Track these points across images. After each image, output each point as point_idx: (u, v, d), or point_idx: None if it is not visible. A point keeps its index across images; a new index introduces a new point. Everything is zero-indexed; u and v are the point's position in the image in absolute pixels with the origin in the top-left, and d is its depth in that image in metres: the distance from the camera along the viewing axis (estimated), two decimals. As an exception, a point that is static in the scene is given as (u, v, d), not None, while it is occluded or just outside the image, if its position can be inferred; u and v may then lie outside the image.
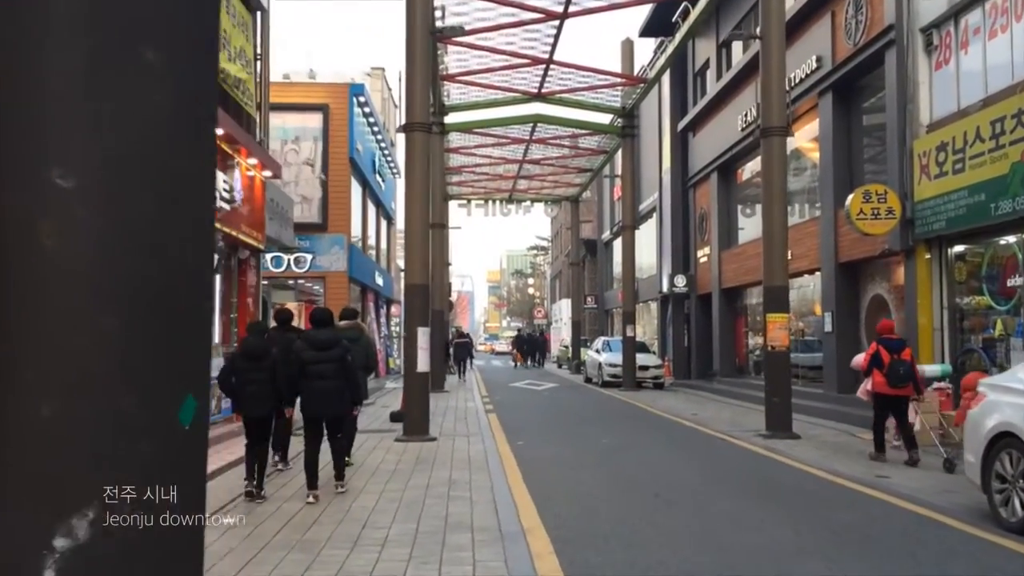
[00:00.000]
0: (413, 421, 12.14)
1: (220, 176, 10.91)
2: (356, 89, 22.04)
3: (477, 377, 30.67)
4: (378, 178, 26.71)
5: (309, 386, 7.72)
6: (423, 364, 12.23)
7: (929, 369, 12.66)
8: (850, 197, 13.76)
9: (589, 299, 44.13)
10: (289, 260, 13.69)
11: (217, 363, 12.48)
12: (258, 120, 14.01)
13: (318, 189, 21.54)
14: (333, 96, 21.73)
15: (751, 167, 23.08)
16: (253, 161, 12.39)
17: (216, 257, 12.79)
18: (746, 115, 21.39)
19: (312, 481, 7.71)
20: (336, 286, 21.65)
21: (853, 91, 16.67)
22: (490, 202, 34.55)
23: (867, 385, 10.42)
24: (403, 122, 12.65)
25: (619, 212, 39.33)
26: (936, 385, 12.36)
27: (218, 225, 11.19)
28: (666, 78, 28.60)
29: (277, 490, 8.19)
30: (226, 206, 11.18)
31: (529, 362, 41.62)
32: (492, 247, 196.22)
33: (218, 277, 12.98)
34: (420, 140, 12.49)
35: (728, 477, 9.34)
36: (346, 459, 9.28)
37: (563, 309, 62.17)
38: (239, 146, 11.68)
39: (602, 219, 45.07)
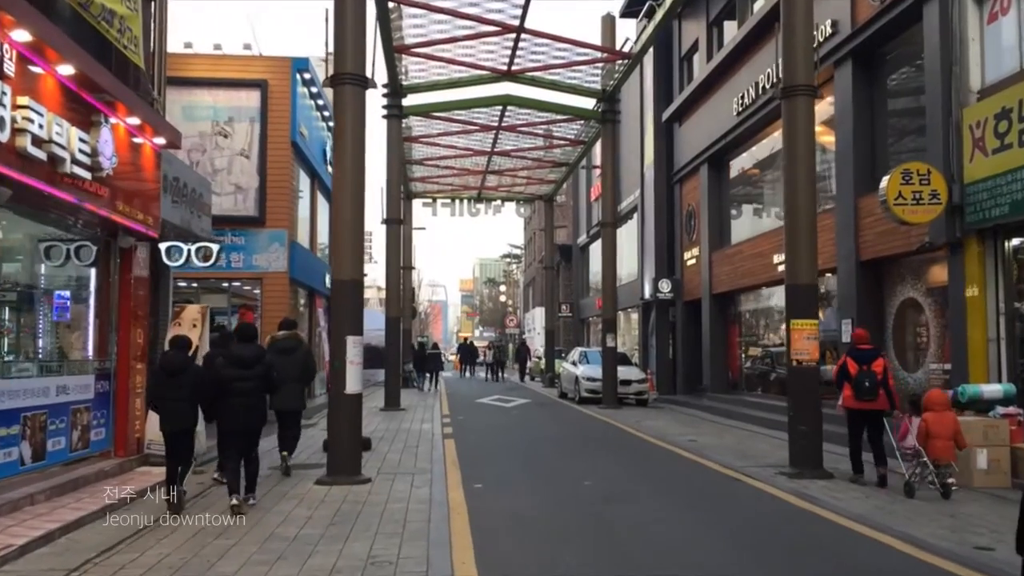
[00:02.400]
0: (339, 458, 9.36)
1: (75, 133, 8.10)
2: (300, 64, 19.20)
3: (442, 391, 27.88)
4: (331, 170, 23.85)
5: (229, 402, 7.75)
6: (353, 384, 9.45)
7: (988, 389, 10.22)
8: (886, 179, 11.21)
9: (563, 307, 41.53)
10: (190, 251, 10.81)
11: (84, 382, 9.71)
12: (154, 77, 11.19)
13: (255, 178, 18.67)
14: (273, 71, 18.86)
15: (747, 157, 20.61)
16: (135, 121, 9.57)
17: (93, 247, 10.00)
18: (742, 98, 18.90)
19: (234, 486, 7.78)
20: (275, 288, 18.79)
21: (877, 58, 14.17)
22: (457, 201, 31.79)
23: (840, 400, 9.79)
24: (330, 73, 9.86)
25: (596, 214, 36.83)
26: (1002, 410, 9.86)
27: (73, 199, 8.36)
28: (649, 65, 26.21)
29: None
30: (85, 173, 8.35)
31: (468, 372, 40.05)
32: (465, 256, 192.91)
33: (92, 272, 10.16)
34: (353, 97, 9.74)
35: (769, 553, 6.59)
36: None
37: (536, 318, 59.47)
38: (111, 98, 8.86)
39: (577, 223, 42.53)
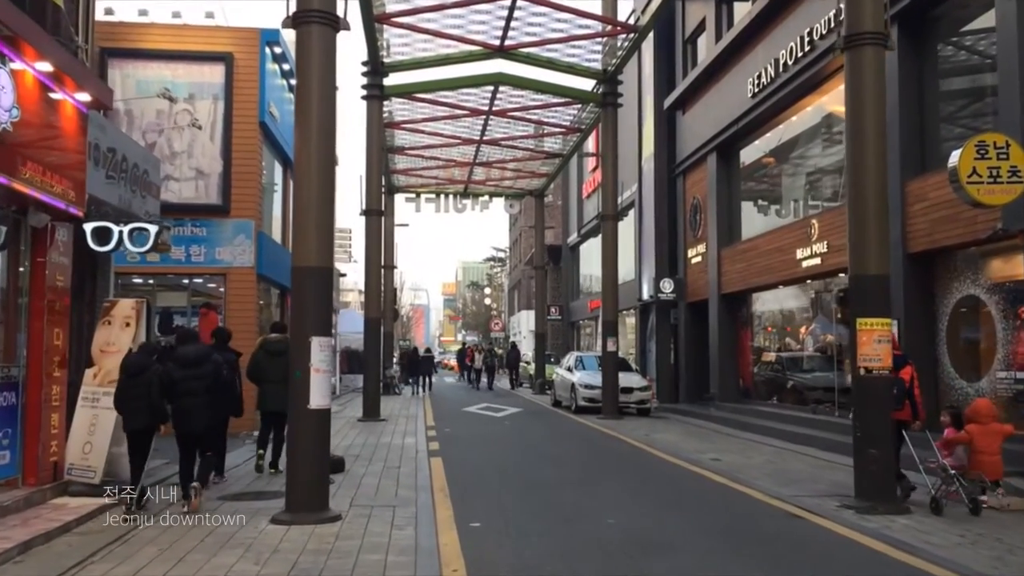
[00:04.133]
0: (301, 491, 7.44)
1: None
2: (270, 36, 17.24)
3: (425, 400, 25.97)
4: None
5: (179, 403, 7.85)
6: (319, 396, 7.55)
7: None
8: (957, 153, 9.41)
9: (552, 310, 39.65)
10: (122, 233, 8.86)
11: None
12: (79, 20, 9.26)
13: (218, 162, 16.69)
14: (239, 43, 16.90)
15: (760, 145, 18.88)
16: (47, 68, 7.64)
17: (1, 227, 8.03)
18: (759, 77, 17.15)
19: (186, 492, 7.75)
20: (241, 285, 16.74)
21: (928, 22, 12.46)
22: (442, 196, 29.90)
23: None
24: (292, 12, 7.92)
25: (588, 211, 35.08)
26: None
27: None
28: (648, 51, 24.50)
29: None
30: (-33, 124, 6.44)
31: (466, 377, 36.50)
32: (447, 259, 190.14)
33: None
34: (320, 40, 7.83)
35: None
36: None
37: (522, 321, 57.68)
38: (9, 33, 6.94)
39: (568, 221, 40.74)
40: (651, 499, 9.04)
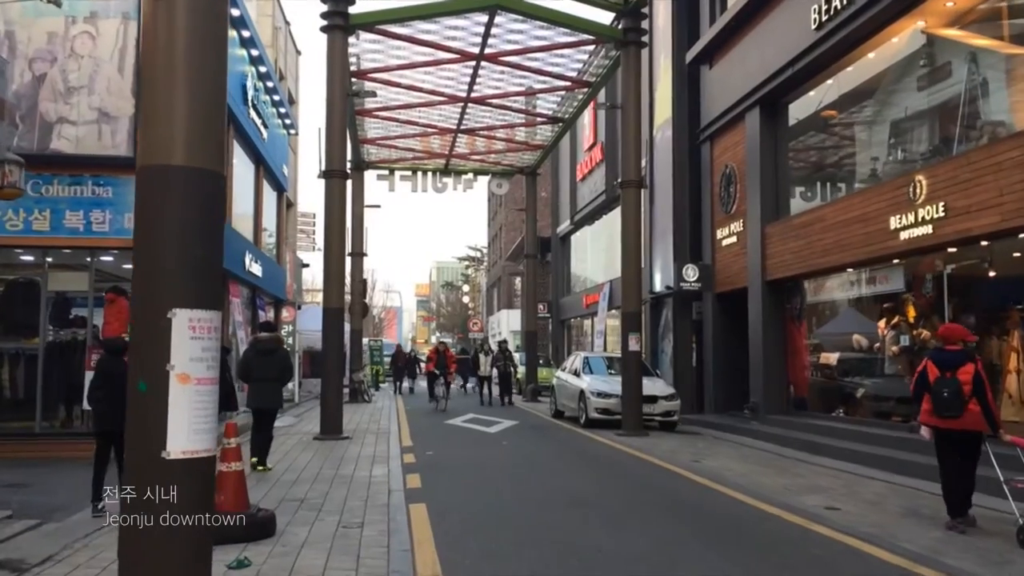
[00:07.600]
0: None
1: None
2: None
3: (400, 410, 21.98)
4: (255, 117, 17.86)
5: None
6: (187, 434, 3.59)
7: None
8: None
9: (540, 307, 35.82)
10: None
11: None
12: None
13: (129, 100, 12.69)
14: (158, -53, 13.03)
15: (816, 95, 15.18)
16: None
17: None
18: (829, 2, 13.44)
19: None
20: (158, 264, 12.79)
21: None
22: (419, 173, 25.98)
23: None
24: None
25: (583, 196, 31.31)
26: None
27: None
28: (662, 3, 20.82)
29: None
30: None
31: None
32: (420, 261, 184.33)
33: None
34: None
35: None
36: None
37: (502, 321, 53.83)
38: None
39: (558, 210, 36.91)
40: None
